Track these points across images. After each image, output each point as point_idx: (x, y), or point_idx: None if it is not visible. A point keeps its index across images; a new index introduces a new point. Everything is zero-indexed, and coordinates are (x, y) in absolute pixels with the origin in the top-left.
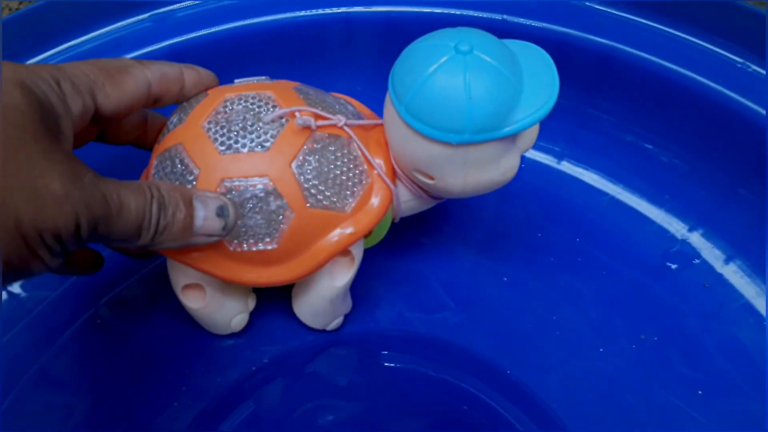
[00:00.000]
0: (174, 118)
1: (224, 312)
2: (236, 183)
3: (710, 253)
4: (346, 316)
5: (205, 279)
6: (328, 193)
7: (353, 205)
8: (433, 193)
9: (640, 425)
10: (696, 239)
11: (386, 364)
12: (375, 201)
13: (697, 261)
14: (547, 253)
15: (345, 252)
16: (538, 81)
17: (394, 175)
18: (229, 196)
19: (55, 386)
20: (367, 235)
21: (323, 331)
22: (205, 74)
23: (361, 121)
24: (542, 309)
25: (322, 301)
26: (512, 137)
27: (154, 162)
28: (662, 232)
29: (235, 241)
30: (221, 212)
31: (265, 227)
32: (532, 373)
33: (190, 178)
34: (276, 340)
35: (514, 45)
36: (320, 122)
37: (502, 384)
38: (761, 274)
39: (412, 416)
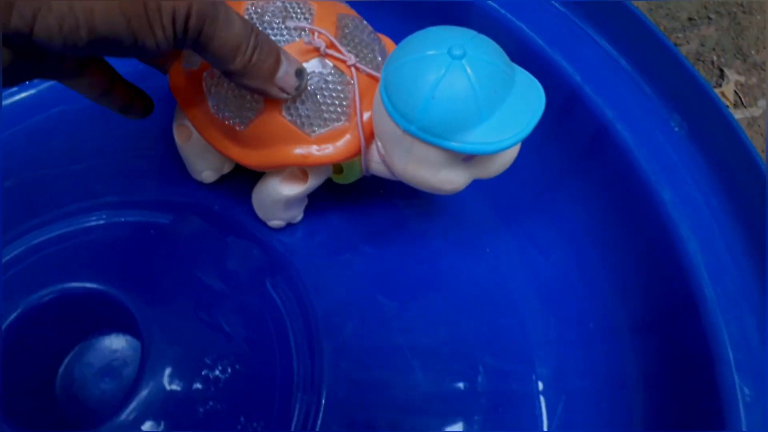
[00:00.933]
0: None
1: (200, 160)
2: None
3: None
4: (296, 228)
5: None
6: (302, 113)
7: (318, 134)
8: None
9: None
10: None
11: (274, 287)
12: (339, 143)
13: None
14: None
15: (302, 170)
16: (513, 119)
17: (372, 134)
18: None
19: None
20: (339, 171)
21: (266, 225)
22: None
23: (370, 71)
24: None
25: (266, 198)
26: (460, 154)
27: None
28: None
29: (216, 107)
30: (299, 75)
31: (239, 110)
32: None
33: None
34: (233, 204)
35: (523, 77)
36: (330, 51)
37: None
38: None
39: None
